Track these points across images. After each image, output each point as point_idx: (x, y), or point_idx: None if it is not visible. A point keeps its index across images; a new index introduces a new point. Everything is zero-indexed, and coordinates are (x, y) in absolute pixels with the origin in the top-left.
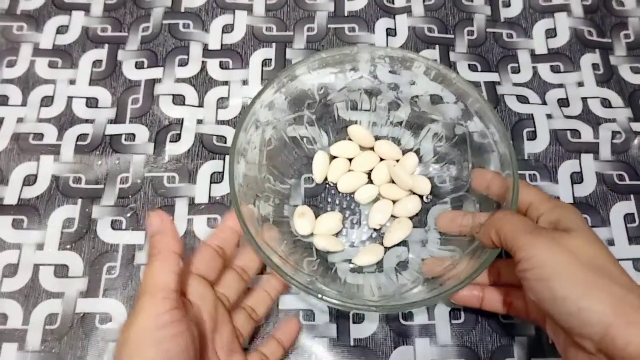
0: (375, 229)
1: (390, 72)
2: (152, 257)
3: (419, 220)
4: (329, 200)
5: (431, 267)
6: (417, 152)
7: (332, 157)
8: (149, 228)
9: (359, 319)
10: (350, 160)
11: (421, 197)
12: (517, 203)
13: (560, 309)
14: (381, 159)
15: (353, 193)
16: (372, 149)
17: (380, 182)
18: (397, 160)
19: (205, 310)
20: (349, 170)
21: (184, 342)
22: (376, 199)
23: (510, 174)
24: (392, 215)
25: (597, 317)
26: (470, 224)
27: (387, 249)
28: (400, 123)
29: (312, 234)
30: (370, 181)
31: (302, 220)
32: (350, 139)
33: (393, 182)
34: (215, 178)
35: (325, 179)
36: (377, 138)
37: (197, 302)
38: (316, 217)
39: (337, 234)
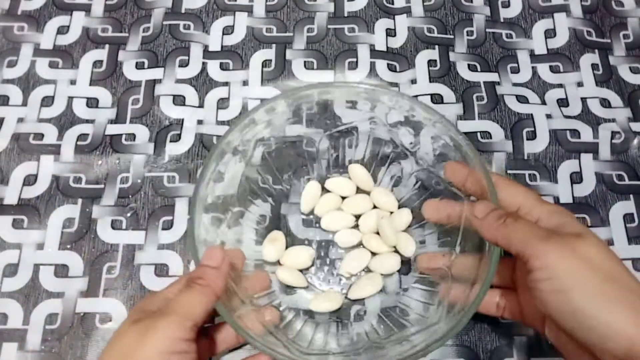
0: (344, 277)
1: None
2: (194, 284)
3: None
4: (308, 233)
5: (427, 263)
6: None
7: (325, 190)
8: (205, 258)
9: None
10: (343, 199)
11: (403, 258)
12: (496, 200)
13: (581, 323)
14: (375, 207)
15: (335, 233)
16: (369, 193)
17: (366, 230)
18: (391, 213)
19: None
20: (338, 209)
21: None
22: (357, 246)
23: (475, 166)
24: (366, 268)
25: (621, 332)
26: (458, 213)
27: (351, 301)
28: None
29: (277, 263)
30: (357, 226)
31: (272, 247)
32: (349, 177)
33: (379, 234)
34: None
35: (312, 212)
36: (375, 179)
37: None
38: (287, 247)
39: (303, 270)
